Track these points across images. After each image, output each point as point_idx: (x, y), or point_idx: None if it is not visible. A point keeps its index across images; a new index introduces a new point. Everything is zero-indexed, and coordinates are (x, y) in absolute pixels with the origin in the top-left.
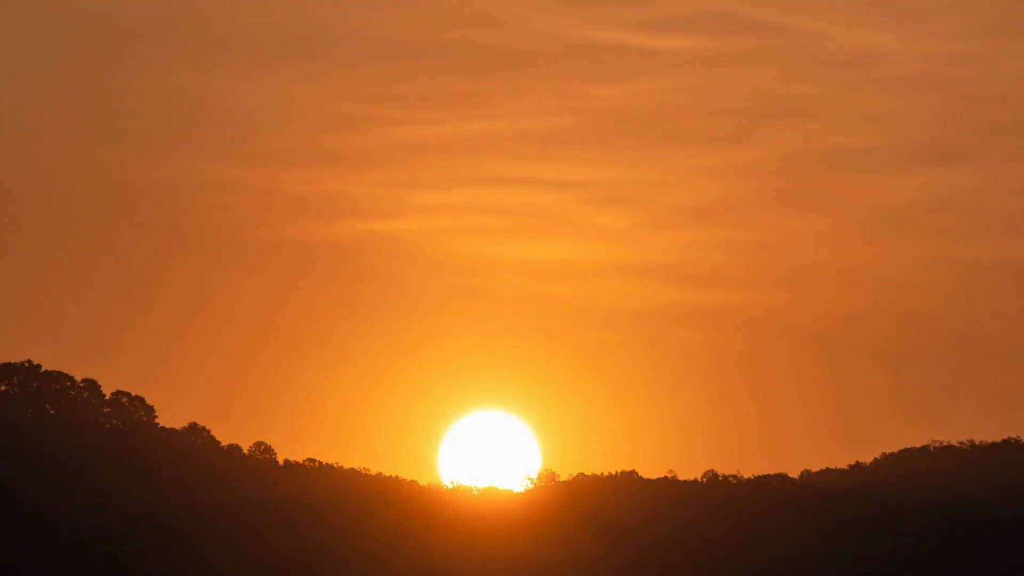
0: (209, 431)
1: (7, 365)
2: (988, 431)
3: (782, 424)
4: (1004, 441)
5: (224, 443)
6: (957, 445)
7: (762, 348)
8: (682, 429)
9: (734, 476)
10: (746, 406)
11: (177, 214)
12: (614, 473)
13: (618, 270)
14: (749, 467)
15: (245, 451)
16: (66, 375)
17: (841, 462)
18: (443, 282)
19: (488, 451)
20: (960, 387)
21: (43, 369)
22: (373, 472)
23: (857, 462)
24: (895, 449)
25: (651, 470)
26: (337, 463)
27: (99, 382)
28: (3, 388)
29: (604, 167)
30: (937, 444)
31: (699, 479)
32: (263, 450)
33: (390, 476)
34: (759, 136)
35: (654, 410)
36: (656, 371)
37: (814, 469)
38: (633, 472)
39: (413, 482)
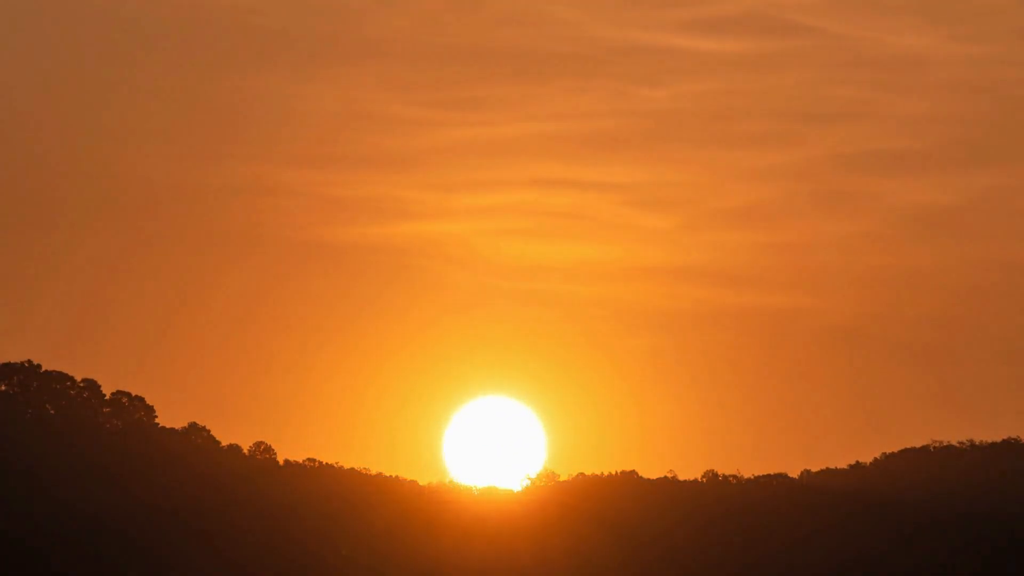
0: (209, 431)
1: (7, 365)
2: (988, 431)
3: (782, 424)
4: (1004, 441)
5: (224, 443)
6: (957, 445)
7: (765, 349)
8: (682, 429)
9: (734, 476)
10: (746, 406)
11: (181, 215)
12: (614, 473)
13: (657, 272)
14: (749, 467)
15: (245, 451)
16: (66, 375)
17: (841, 462)
18: (483, 283)
19: (493, 440)
20: (960, 387)
21: (43, 369)
22: (373, 472)
23: (857, 462)
24: (895, 449)
25: (651, 470)
26: (337, 463)
27: (99, 382)
28: (3, 388)
29: (647, 169)
30: (937, 444)
31: (699, 479)
32: (263, 450)
33: (390, 476)
34: (802, 138)
35: (654, 410)
36: (658, 371)
37: (814, 469)
38: (633, 472)
39: (413, 482)
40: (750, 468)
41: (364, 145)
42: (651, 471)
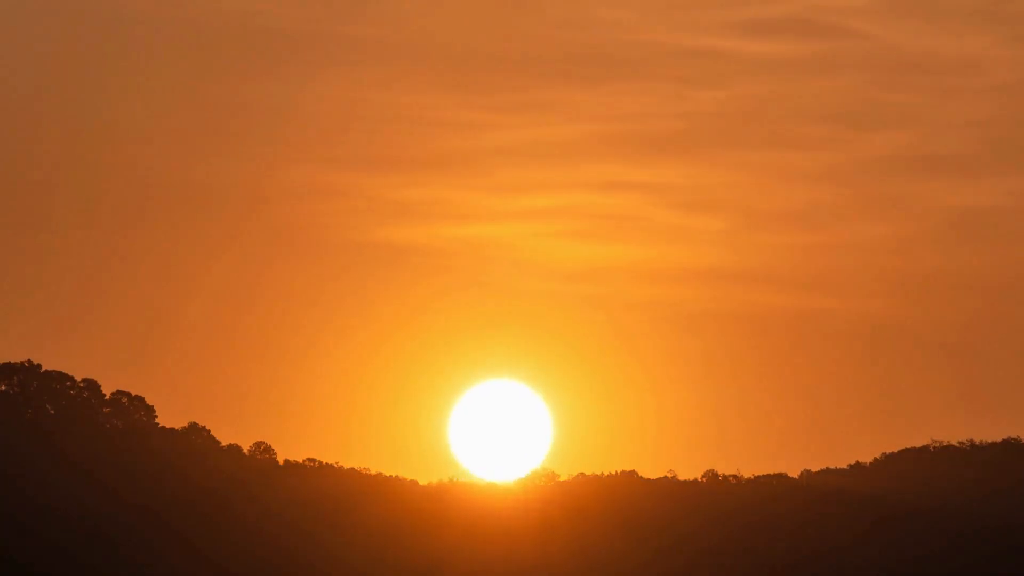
0: (209, 431)
1: (7, 365)
2: (988, 431)
3: (782, 424)
4: (1004, 441)
5: (224, 443)
6: (957, 445)
7: (766, 350)
8: (682, 429)
9: (734, 476)
10: (747, 406)
11: (181, 214)
12: (614, 473)
13: (704, 274)
14: (749, 467)
15: (245, 451)
16: (66, 375)
17: (841, 462)
18: (520, 283)
19: (501, 423)
20: (960, 387)
21: (43, 369)
22: (373, 472)
23: (857, 462)
24: (895, 449)
25: (651, 470)
26: (337, 463)
27: (99, 382)
28: (3, 388)
29: (700, 171)
30: (937, 444)
31: (699, 479)
32: (263, 450)
33: (390, 476)
34: (855, 142)
35: (655, 409)
36: (659, 371)
37: (814, 469)
38: (633, 472)
39: (413, 481)
40: (750, 468)
41: (403, 147)
42: (651, 471)
